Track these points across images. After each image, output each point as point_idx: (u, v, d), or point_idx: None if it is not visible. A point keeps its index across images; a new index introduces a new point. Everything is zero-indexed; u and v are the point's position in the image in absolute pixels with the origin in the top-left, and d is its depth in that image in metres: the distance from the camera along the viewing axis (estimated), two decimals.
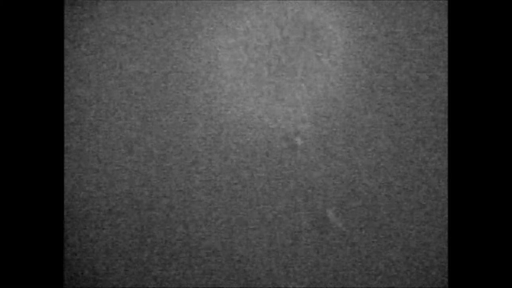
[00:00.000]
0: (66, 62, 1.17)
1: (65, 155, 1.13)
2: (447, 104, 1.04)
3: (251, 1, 1.27)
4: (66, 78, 1.17)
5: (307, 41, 1.14)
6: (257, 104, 1.19)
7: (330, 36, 1.17)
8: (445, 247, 0.95)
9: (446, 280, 0.91)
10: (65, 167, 1.11)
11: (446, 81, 0.99)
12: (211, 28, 1.23)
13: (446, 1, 0.96)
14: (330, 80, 1.15)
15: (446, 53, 1.03)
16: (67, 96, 1.17)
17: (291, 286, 0.98)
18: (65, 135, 1.15)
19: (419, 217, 1.00)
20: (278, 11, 1.20)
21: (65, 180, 1.11)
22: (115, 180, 1.11)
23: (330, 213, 0.94)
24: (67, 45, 1.17)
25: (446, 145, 1.04)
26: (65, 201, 1.09)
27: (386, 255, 0.98)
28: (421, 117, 1.08)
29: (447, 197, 0.98)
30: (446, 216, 0.98)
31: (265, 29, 1.21)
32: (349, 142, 1.16)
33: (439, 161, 1.05)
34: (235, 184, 1.14)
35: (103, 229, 1.08)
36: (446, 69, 0.99)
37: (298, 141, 0.95)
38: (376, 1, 1.12)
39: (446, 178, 1.01)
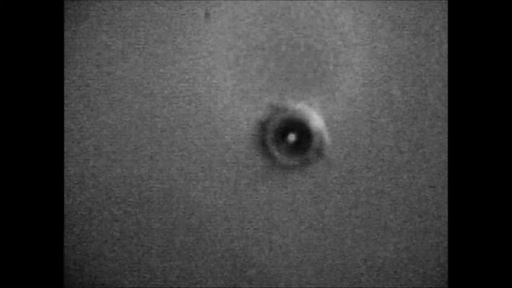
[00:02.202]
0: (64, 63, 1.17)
1: (65, 155, 1.13)
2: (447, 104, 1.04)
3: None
4: (65, 77, 1.17)
5: None
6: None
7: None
8: (445, 247, 0.95)
9: (447, 279, 0.91)
10: (65, 167, 1.12)
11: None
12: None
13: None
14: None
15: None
16: (66, 94, 1.17)
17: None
18: (65, 134, 1.15)
19: (419, 215, 1.01)
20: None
21: (65, 179, 1.11)
22: (115, 178, 1.12)
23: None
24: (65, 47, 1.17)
25: (446, 145, 1.04)
26: (65, 201, 1.10)
27: (385, 254, 0.99)
28: (426, 116, 1.09)
29: (447, 197, 0.99)
30: (446, 215, 0.98)
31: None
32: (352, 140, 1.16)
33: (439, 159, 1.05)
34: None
35: (104, 228, 1.08)
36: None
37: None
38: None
39: (446, 177, 1.01)
